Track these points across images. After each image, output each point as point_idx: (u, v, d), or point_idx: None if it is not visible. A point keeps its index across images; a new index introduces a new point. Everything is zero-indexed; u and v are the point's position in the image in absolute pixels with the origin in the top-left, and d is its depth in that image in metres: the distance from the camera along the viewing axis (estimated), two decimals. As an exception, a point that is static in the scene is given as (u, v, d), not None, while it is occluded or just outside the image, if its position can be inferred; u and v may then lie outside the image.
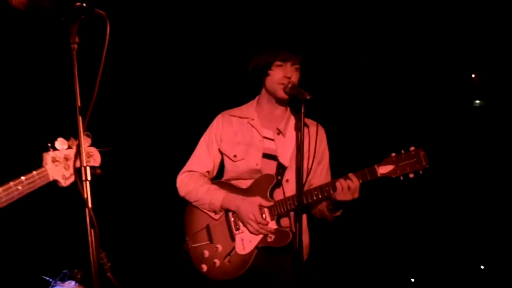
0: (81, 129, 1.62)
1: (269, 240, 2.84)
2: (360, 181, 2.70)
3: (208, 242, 2.93)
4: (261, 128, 2.98)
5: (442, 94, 4.82)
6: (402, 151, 2.75)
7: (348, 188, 2.68)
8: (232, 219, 2.93)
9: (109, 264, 1.86)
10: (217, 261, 2.89)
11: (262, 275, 2.89)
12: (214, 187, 2.96)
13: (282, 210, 2.83)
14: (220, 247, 2.93)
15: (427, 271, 4.85)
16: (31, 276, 3.70)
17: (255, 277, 2.88)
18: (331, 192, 2.74)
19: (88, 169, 1.57)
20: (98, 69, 1.68)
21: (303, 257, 2.92)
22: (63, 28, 1.67)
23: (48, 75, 4.01)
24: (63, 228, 4.21)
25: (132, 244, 4.40)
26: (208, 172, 3.03)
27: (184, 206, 3.05)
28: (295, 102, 2.88)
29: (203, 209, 2.95)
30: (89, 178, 1.57)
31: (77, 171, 1.56)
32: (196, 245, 2.95)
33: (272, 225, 2.86)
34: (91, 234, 1.55)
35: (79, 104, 1.67)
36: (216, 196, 2.91)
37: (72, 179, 1.96)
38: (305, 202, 2.75)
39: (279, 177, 2.92)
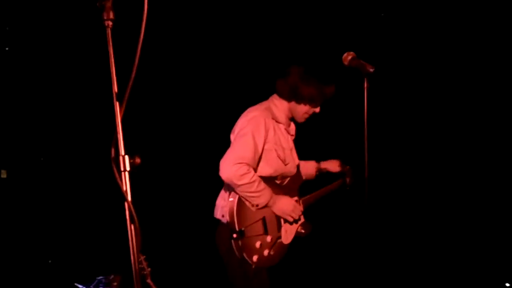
0: (118, 116, 1.46)
1: (299, 230, 3.15)
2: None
3: (263, 233, 2.96)
4: (290, 135, 3.16)
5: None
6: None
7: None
8: None
9: (149, 269, 1.67)
10: (266, 251, 2.95)
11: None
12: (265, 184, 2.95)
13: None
14: (269, 238, 2.98)
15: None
16: (62, 283, 3.54)
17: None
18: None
19: (127, 158, 1.40)
20: (135, 51, 1.52)
21: None
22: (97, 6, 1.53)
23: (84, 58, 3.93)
24: (99, 230, 4.10)
25: (169, 246, 4.27)
26: (253, 169, 2.92)
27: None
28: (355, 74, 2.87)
29: (250, 201, 2.90)
30: (128, 168, 1.40)
31: (115, 161, 1.38)
32: (251, 236, 2.92)
33: (302, 217, 3.18)
34: (131, 231, 1.37)
35: (115, 90, 1.52)
36: (270, 193, 2.95)
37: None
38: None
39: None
